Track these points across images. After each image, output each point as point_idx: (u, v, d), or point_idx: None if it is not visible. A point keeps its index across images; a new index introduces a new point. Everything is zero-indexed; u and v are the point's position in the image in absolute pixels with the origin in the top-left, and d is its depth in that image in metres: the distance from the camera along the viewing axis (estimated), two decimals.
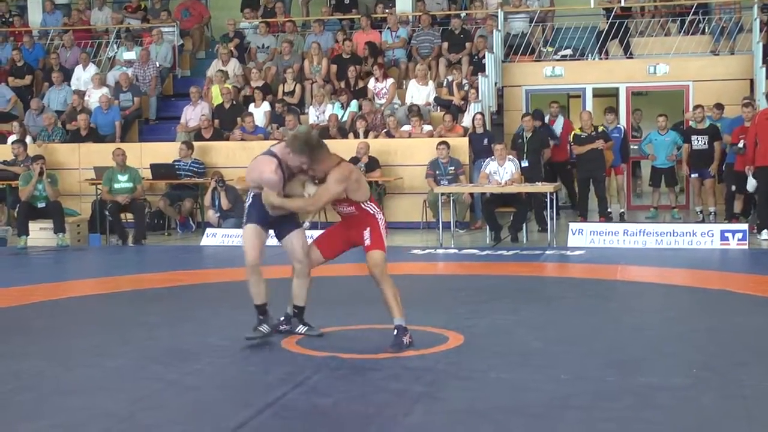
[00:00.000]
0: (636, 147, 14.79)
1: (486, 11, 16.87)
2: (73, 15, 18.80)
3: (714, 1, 16.56)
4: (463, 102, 14.85)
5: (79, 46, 17.61)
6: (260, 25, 17.29)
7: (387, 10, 17.38)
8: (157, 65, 16.81)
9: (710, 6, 16.54)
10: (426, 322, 6.94)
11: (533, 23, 16.56)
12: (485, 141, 13.60)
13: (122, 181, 13.31)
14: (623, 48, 16.12)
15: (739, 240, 11.35)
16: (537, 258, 11.02)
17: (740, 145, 12.43)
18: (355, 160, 13.45)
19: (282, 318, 6.82)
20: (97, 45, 17.95)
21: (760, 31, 15.04)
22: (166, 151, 14.45)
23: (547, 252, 11.39)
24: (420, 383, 5.49)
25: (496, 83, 15.53)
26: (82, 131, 15.18)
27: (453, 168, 13.25)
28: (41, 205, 12.98)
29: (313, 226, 12.89)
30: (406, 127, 14.35)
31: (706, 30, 16.18)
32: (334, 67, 16.01)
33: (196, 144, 14.38)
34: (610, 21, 16.24)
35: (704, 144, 13.54)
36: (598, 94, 16.31)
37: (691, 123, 14.16)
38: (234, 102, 15.43)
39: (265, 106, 15.26)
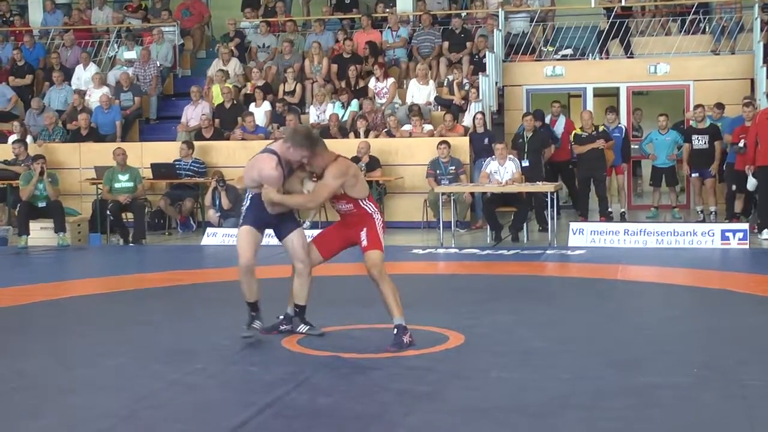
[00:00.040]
0: (636, 147, 14.79)
1: (486, 11, 16.87)
2: (74, 14, 18.80)
3: (715, 1, 16.56)
4: (463, 101, 14.85)
5: (80, 45, 17.61)
6: (261, 25, 17.29)
7: (387, 10, 17.38)
8: (158, 65, 16.81)
9: (711, 5, 16.54)
10: (427, 322, 6.94)
11: (534, 23, 16.56)
12: (486, 140, 13.60)
13: (123, 181, 13.32)
14: (624, 47, 16.12)
15: (739, 239, 11.35)
16: (538, 258, 11.02)
17: (741, 144, 12.43)
18: (356, 160, 13.44)
19: (282, 317, 6.83)
20: (98, 44, 17.95)
21: (761, 30, 15.04)
22: (166, 151, 14.45)
23: (548, 252, 11.39)
24: (421, 383, 5.49)
25: (496, 83, 15.53)
26: (82, 131, 15.18)
27: (454, 167, 13.25)
28: (42, 204, 12.98)
29: (314, 225, 12.92)
30: (407, 127, 14.35)
31: (707, 29, 16.18)
32: (334, 67, 16.01)
33: (196, 144, 14.38)
34: (610, 20, 16.24)
35: (705, 143, 13.54)
36: (598, 93, 16.31)
37: (691, 122, 14.16)
38: (234, 101, 15.43)
39: (266, 105, 15.26)
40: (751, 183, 12.20)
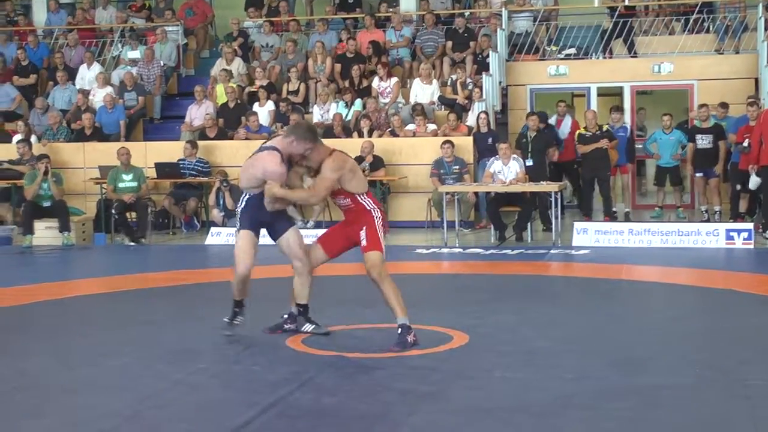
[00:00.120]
0: (641, 146, 14.77)
1: (490, 10, 16.86)
2: (78, 14, 18.83)
3: (718, 0, 16.53)
4: (467, 101, 14.84)
5: (84, 45, 17.62)
6: (264, 24, 17.30)
7: (391, 9, 17.38)
8: (162, 64, 16.82)
9: (715, 5, 16.52)
10: (431, 322, 6.94)
11: (537, 22, 16.55)
12: (489, 140, 13.60)
13: (127, 181, 13.35)
14: (627, 47, 16.11)
15: (744, 239, 11.34)
16: (542, 257, 11.01)
17: (745, 144, 12.41)
18: (359, 159, 13.45)
19: (286, 316, 6.83)
20: (102, 44, 17.96)
21: (765, 29, 15.00)
22: (170, 150, 14.46)
23: (552, 251, 11.38)
24: (425, 382, 5.49)
25: (500, 82, 15.52)
26: (86, 130, 15.19)
27: (457, 167, 13.25)
28: (46, 204, 13.00)
29: (318, 225, 12.92)
30: (411, 126, 14.35)
31: (711, 29, 16.16)
32: (338, 66, 16.01)
33: (200, 143, 14.39)
34: (614, 20, 16.23)
35: (709, 143, 13.52)
36: (602, 93, 16.29)
37: (695, 122, 14.15)
38: (238, 101, 15.43)
39: (270, 105, 15.27)
40: (754, 182, 12.18)
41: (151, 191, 13.88)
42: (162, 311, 8.00)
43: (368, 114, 14.62)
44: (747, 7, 16.17)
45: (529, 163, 12.98)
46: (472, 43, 16.06)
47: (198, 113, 15.38)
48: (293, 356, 6.21)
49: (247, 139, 14.47)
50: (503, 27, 16.03)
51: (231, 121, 15.14)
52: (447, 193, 12.47)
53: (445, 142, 13.32)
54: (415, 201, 13.78)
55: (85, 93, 16.18)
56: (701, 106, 13.93)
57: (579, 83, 16.09)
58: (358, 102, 15.04)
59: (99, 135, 15.20)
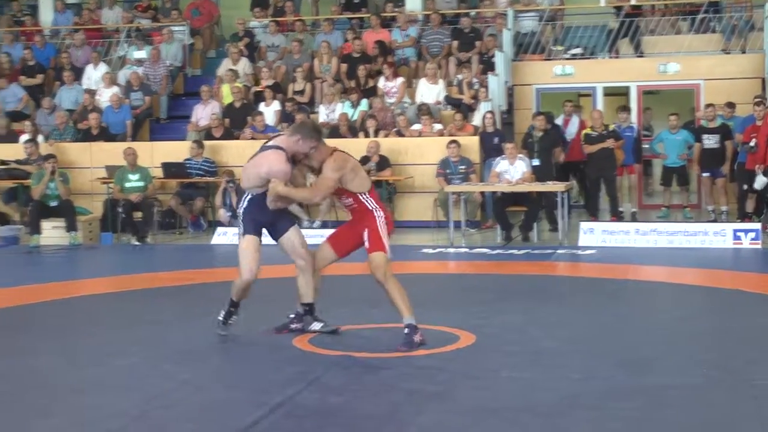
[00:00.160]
0: (647, 146, 14.75)
1: (496, 10, 16.85)
2: (84, 14, 18.85)
3: (725, 0, 16.50)
4: (473, 101, 14.84)
5: (90, 45, 17.64)
6: (270, 24, 17.31)
7: (396, 9, 17.38)
8: (168, 64, 16.84)
9: (721, 4, 16.49)
10: (437, 322, 6.94)
11: (543, 22, 16.54)
12: (496, 140, 13.59)
13: (133, 180, 13.38)
14: (634, 47, 16.09)
15: (751, 239, 11.32)
16: (548, 257, 11.00)
17: (752, 144, 12.40)
18: (365, 159, 13.46)
19: (293, 316, 6.84)
20: (108, 44, 17.99)
21: None
22: (177, 150, 14.48)
23: (559, 251, 11.37)
24: (432, 382, 5.49)
25: (506, 82, 15.52)
26: (93, 130, 15.21)
27: (464, 167, 13.25)
28: (53, 203, 13.03)
29: (324, 224, 12.93)
30: (417, 126, 14.34)
31: (717, 28, 16.13)
32: (344, 66, 16.01)
33: (206, 143, 14.40)
34: (620, 19, 16.20)
35: (716, 143, 13.50)
36: (608, 92, 16.27)
37: (702, 122, 14.12)
38: (244, 101, 15.44)
39: (276, 105, 15.27)
40: (760, 182, 12.16)
41: (157, 191, 13.91)
42: (169, 311, 8.01)
43: (374, 114, 14.62)
44: (753, 7, 16.13)
45: (536, 162, 12.96)
46: (477, 43, 16.06)
47: (204, 113, 15.40)
48: (300, 356, 6.21)
49: (253, 138, 14.47)
50: (509, 27, 16.02)
51: (237, 121, 15.15)
52: (453, 193, 12.47)
53: (451, 142, 13.32)
54: (422, 201, 13.78)
55: (92, 93, 16.20)
56: (708, 105, 13.91)
57: (585, 83, 16.07)
58: (364, 102, 15.04)
59: (105, 135, 15.22)
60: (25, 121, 15.53)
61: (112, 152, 14.27)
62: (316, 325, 6.76)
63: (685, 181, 14.22)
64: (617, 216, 13.39)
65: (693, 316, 7.61)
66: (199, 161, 14.07)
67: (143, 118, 16.06)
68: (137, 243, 12.95)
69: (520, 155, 12.65)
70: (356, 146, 13.66)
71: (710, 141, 13.53)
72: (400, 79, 15.40)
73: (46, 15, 19.02)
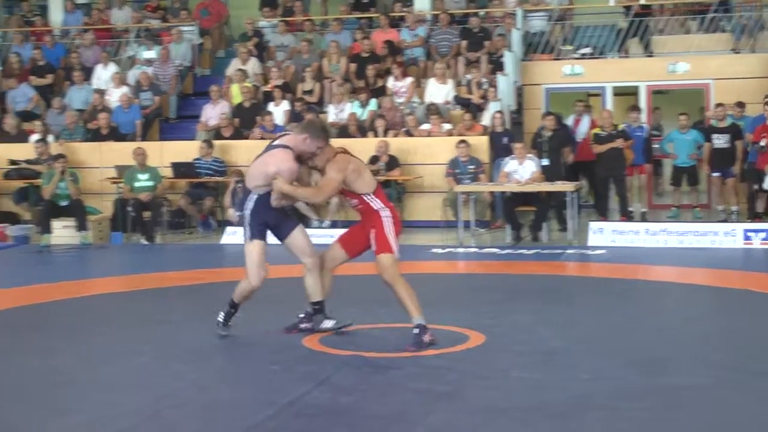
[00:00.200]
0: (657, 146, 14.72)
1: (505, 9, 16.84)
2: (94, 14, 18.89)
3: None
4: (482, 100, 14.83)
5: (100, 45, 17.68)
6: (279, 24, 17.33)
7: (405, 9, 17.38)
8: (177, 64, 16.87)
9: (731, 3, 16.45)
10: (447, 322, 6.94)
11: (552, 21, 16.52)
12: (505, 140, 13.58)
13: (142, 180, 13.42)
14: (643, 46, 16.06)
15: (762, 239, 11.29)
16: (558, 257, 10.99)
17: (762, 143, 12.37)
18: (374, 159, 13.46)
19: (302, 315, 6.85)
20: (118, 44, 18.03)
21: None
22: (186, 150, 14.50)
23: (568, 251, 11.36)
24: (441, 382, 5.50)
25: (515, 82, 15.51)
26: (102, 130, 15.25)
27: (473, 167, 13.24)
28: (64, 203, 13.07)
29: (334, 224, 12.94)
30: (426, 126, 14.34)
31: (727, 28, 16.09)
32: (353, 66, 16.02)
33: (216, 143, 14.42)
34: (629, 19, 16.17)
35: (725, 143, 13.47)
36: (618, 92, 16.25)
37: (712, 121, 14.09)
38: (254, 101, 15.46)
39: (285, 104, 15.28)
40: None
41: (167, 191, 13.94)
42: (179, 310, 8.03)
43: (383, 113, 14.62)
44: (763, 6, 16.09)
45: (545, 162, 12.95)
46: (486, 43, 16.04)
47: (213, 113, 15.42)
48: (310, 355, 6.22)
49: (262, 138, 14.48)
50: (518, 26, 16.01)
51: (246, 120, 15.17)
52: (462, 193, 12.47)
53: (460, 142, 13.31)
54: (431, 201, 13.77)
55: (101, 93, 16.23)
56: (718, 105, 13.88)
57: (594, 83, 16.05)
58: (373, 102, 15.04)
59: (115, 135, 15.25)
60: (36, 121, 15.57)
61: (121, 152, 14.30)
62: (328, 323, 6.76)
63: (695, 181, 14.18)
64: (627, 216, 13.36)
65: (703, 316, 7.60)
66: (208, 161, 14.09)
67: (153, 117, 16.08)
68: (146, 242, 12.99)
69: (530, 155, 12.64)
70: (365, 146, 13.68)
71: (720, 141, 13.50)
72: (409, 79, 15.39)
73: (56, 15, 19.06)
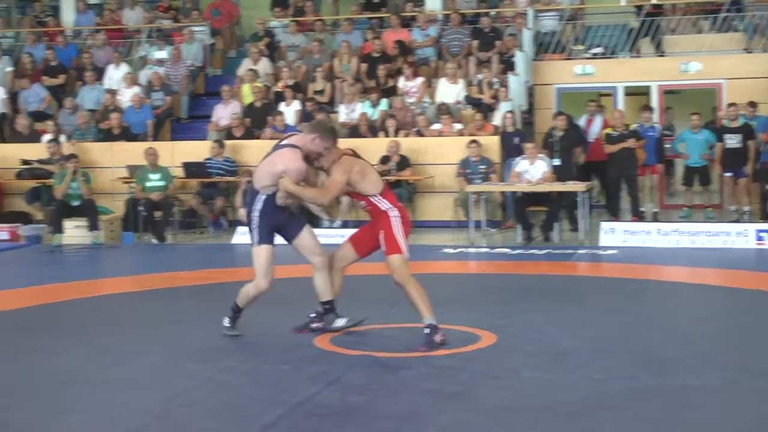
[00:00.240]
0: (669, 146, 14.68)
1: (516, 9, 16.82)
2: (105, 15, 18.95)
3: None
4: (493, 100, 14.81)
5: (111, 45, 17.74)
6: (290, 24, 17.35)
7: (416, 9, 17.37)
8: (189, 64, 16.90)
9: (743, 3, 16.38)
10: (458, 321, 6.94)
11: (564, 21, 16.49)
12: (516, 140, 13.56)
13: (154, 180, 13.45)
14: (655, 46, 16.02)
15: None
16: (569, 257, 10.97)
17: None
18: (385, 159, 13.46)
19: (313, 315, 6.85)
20: (129, 44, 18.08)
21: None
22: (197, 150, 14.52)
23: (579, 251, 11.33)
24: (453, 382, 5.49)
25: (526, 81, 15.48)
26: (114, 130, 15.29)
27: (484, 167, 13.23)
28: (76, 203, 13.11)
29: (345, 224, 12.94)
30: (437, 126, 14.33)
31: (739, 27, 16.04)
32: (364, 66, 16.02)
33: (227, 143, 14.44)
34: (641, 18, 16.14)
35: (738, 142, 13.42)
36: (629, 92, 16.21)
37: (724, 121, 14.04)
38: (265, 101, 15.48)
39: (296, 104, 15.30)
40: None
41: (178, 191, 13.97)
42: (190, 310, 8.05)
43: (394, 113, 14.62)
44: None
45: (556, 162, 12.92)
46: (498, 43, 16.02)
47: (225, 113, 15.45)
48: (321, 355, 6.23)
49: (273, 138, 14.50)
50: (529, 26, 15.99)
51: (257, 120, 15.19)
52: (473, 193, 12.46)
53: (471, 142, 13.30)
54: (442, 201, 13.77)
55: (113, 93, 16.27)
56: (730, 105, 13.83)
57: (606, 83, 16.02)
58: (384, 102, 15.04)
59: (127, 135, 15.29)
60: (48, 121, 15.62)
61: (133, 152, 14.34)
62: (340, 321, 6.76)
63: (707, 181, 14.14)
64: (638, 216, 13.32)
65: (714, 316, 7.57)
66: (219, 161, 14.12)
67: (164, 117, 16.12)
68: (156, 242, 13.02)
69: (541, 155, 12.62)
70: (376, 146, 13.69)
71: (732, 140, 13.45)
72: (420, 79, 15.39)
73: (68, 15, 19.13)
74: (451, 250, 11.61)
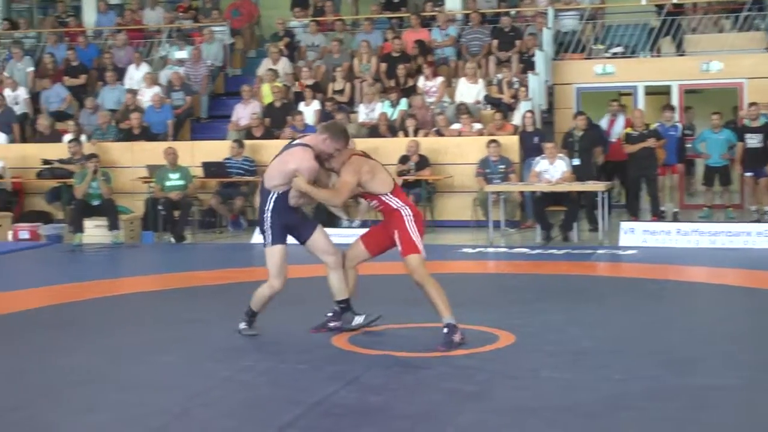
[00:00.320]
0: (689, 145, 14.61)
1: (536, 9, 16.79)
2: (126, 15, 19.06)
3: None
4: (513, 100, 14.78)
5: (132, 45, 17.83)
6: (310, 24, 17.38)
7: (436, 9, 17.37)
8: (209, 64, 16.96)
9: (765, 2, 16.29)
10: (477, 321, 6.92)
11: (584, 20, 16.44)
12: (536, 139, 13.53)
13: (173, 180, 13.49)
14: (675, 45, 15.94)
15: None
16: (588, 257, 10.93)
17: None
18: (405, 159, 13.46)
19: (330, 314, 6.85)
20: (150, 44, 18.16)
21: None
22: (217, 150, 14.57)
23: (599, 251, 11.29)
24: (471, 382, 5.48)
25: (546, 81, 15.44)
26: (134, 130, 15.36)
27: (503, 166, 13.20)
28: (96, 202, 13.17)
29: (364, 224, 12.93)
30: (456, 126, 14.32)
31: (761, 26, 15.93)
32: (383, 66, 16.02)
33: (247, 142, 14.48)
34: (662, 18, 16.06)
35: (759, 142, 13.35)
36: (650, 92, 16.13)
37: (745, 121, 13.96)
38: (284, 100, 15.51)
39: (316, 104, 15.32)
40: None
41: (198, 190, 14.01)
42: (209, 309, 8.06)
43: (414, 113, 14.61)
44: None
45: (576, 162, 12.88)
46: (517, 42, 16.00)
47: (244, 113, 15.49)
48: (339, 355, 6.23)
49: (293, 138, 14.51)
50: (549, 26, 15.95)
51: (277, 120, 15.22)
52: (493, 193, 12.43)
53: (491, 142, 13.28)
54: (461, 200, 13.76)
55: (134, 93, 16.35)
56: (751, 104, 13.76)
57: (626, 82, 15.96)
58: (404, 101, 15.03)
59: (147, 134, 15.36)
60: (69, 121, 15.71)
61: (153, 152, 14.39)
62: (359, 319, 6.76)
63: (728, 180, 14.06)
64: (658, 216, 13.27)
65: (734, 316, 7.53)
66: (239, 160, 14.15)
67: (184, 117, 16.18)
68: (174, 241, 13.06)
69: (560, 155, 12.58)
70: (396, 146, 13.70)
71: (753, 140, 13.38)
72: (440, 79, 15.38)
73: (89, 16, 19.24)
74: (470, 250, 11.59)
